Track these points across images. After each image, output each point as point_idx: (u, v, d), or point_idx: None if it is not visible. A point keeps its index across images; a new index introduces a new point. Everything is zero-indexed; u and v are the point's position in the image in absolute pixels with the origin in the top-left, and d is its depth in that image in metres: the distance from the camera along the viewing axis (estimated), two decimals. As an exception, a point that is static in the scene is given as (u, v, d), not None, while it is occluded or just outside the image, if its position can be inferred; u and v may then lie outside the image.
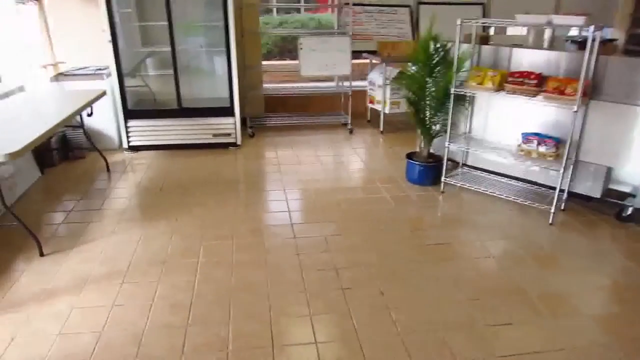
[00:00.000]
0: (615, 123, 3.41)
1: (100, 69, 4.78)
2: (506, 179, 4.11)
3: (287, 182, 4.21)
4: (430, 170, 4.18)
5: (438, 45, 3.97)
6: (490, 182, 4.12)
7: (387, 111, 5.58)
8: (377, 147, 5.28)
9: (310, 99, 5.90)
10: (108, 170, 4.40)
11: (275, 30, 5.45)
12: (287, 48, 6.94)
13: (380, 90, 5.57)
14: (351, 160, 4.85)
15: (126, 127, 4.78)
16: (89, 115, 4.19)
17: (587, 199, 3.77)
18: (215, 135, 4.95)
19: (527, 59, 3.82)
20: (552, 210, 3.54)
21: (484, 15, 6.04)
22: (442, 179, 4.08)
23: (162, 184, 4.10)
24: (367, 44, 5.72)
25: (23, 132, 2.90)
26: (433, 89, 4.02)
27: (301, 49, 5.15)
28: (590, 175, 3.65)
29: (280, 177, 4.32)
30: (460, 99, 3.96)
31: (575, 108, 3.27)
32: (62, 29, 4.95)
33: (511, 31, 6.59)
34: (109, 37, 4.40)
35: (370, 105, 5.93)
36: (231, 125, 4.94)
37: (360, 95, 5.80)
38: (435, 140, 4.23)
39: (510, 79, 3.62)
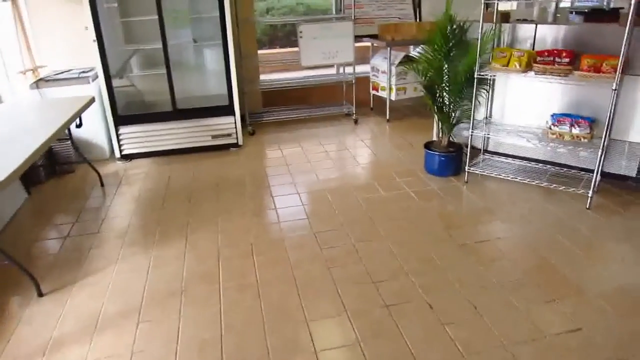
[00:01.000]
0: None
1: (84, 72, 4.37)
2: (532, 163, 3.86)
3: (300, 183, 3.89)
4: (451, 160, 3.90)
5: (454, 26, 3.65)
6: (515, 168, 3.85)
7: (393, 98, 5.26)
8: (386, 136, 4.98)
9: (310, 89, 5.54)
10: (102, 184, 4.02)
11: (272, 19, 5.04)
12: (277, 36, 6.56)
13: (385, 76, 5.25)
14: (362, 153, 4.54)
15: (117, 135, 4.40)
16: (78, 126, 3.80)
17: (623, 178, 3.53)
18: (214, 136, 4.59)
19: (552, 36, 3.54)
20: (590, 194, 3.29)
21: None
22: (466, 168, 3.80)
23: (163, 196, 3.75)
24: (367, 28, 5.37)
25: (6, 154, 2.53)
26: (450, 73, 3.72)
27: (301, 37, 4.79)
28: (623, 154, 3.42)
29: (290, 178, 4.00)
30: (481, 83, 3.67)
31: (614, 86, 3.00)
32: (40, 29, 4.51)
33: (502, 6, 6.27)
34: (94, 36, 3.99)
35: (373, 93, 5.61)
36: (231, 124, 4.58)
37: (361, 83, 5.45)
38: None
39: (539, 58, 3.32)
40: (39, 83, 4.21)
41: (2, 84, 4.10)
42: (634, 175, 3.43)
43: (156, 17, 4.10)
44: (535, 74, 3.32)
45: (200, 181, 4.00)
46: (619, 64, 2.95)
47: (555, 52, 3.28)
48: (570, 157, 3.66)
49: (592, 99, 3.44)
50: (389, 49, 5.02)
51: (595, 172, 3.28)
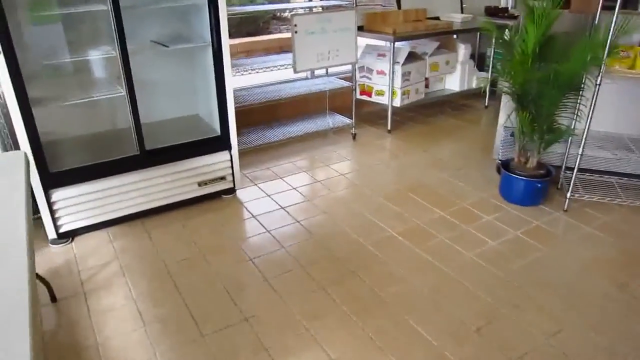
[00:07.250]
0: None
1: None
2: (634, 180, 3.26)
3: (368, 245, 2.72)
4: (545, 186, 3.12)
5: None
6: (615, 187, 3.21)
7: (397, 104, 4.29)
8: (406, 154, 3.97)
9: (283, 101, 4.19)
10: (53, 298, 2.33)
11: (247, 7, 3.64)
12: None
13: (382, 77, 4.24)
14: (405, 180, 3.47)
15: (49, 204, 2.65)
16: None
17: None
18: (201, 183, 3.11)
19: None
20: None
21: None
22: (568, 194, 3.05)
23: (184, 304, 2.27)
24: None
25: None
26: (549, 78, 2.89)
27: (296, 32, 3.50)
28: None
29: (352, 232, 2.80)
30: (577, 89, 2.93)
31: None
32: None
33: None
34: None
35: (362, 98, 4.55)
36: (225, 163, 3.15)
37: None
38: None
39: (676, 56, 2.68)
40: None
41: None
42: None
43: (105, 7, 2.49)
44: (675, 76, 2.68)
45: (220, 260, 2.57)
46: None
47: (697, 48, 2.67)
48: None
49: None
50: (391, 44, 4.01)
51: None
